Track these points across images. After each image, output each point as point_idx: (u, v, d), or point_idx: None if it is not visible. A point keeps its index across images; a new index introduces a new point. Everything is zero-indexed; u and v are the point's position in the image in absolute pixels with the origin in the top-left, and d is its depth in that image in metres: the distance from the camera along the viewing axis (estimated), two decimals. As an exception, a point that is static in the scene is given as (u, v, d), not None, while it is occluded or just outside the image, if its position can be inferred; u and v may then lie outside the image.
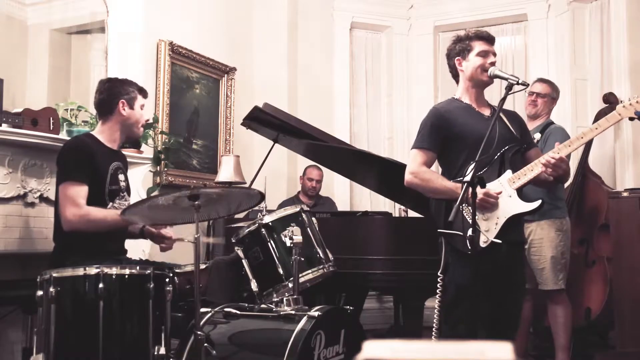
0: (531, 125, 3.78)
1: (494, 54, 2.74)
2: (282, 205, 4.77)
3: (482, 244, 2.50)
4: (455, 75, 2.82)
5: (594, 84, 4.97)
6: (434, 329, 2.68)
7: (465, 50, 2.73)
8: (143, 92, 3.03)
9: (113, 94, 2.95)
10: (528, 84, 3.07)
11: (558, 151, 2.59)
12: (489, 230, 2.52)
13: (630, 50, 4.53)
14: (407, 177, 2.71)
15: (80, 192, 2.76)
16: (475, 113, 2.73)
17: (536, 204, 2.56)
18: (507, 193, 2.57)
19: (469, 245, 2.39)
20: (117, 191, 2.93)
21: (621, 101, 2.62)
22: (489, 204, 2.52)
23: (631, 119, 2.57)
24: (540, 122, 3.80)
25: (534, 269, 3.67)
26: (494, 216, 2.55)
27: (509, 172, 2.60)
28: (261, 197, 2.57)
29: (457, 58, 2.76)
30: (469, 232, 2.38)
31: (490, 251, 2.50)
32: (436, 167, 2.90)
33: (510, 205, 2.56)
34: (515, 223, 2.61)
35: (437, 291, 2.59)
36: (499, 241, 2.49)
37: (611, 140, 4.63)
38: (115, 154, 3.00)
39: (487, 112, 2.76)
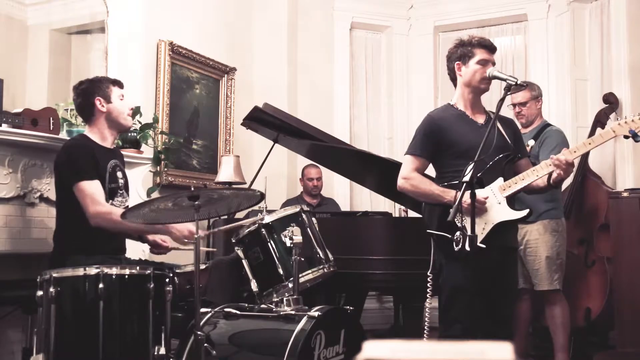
0: (526, 131, 3.79)
1: (494, 64, 2.75)
2: (285, 204, 4.78)
3: (468, 248, 2.52)
4: (454, 79, 2.84)
5: (594, 84, 4.96)
6: (425, 329, 2.71)
7: (467, 56, 2.75)
8: (117, 83, 3.04)
9: (87, 95, 2.97)
10: (527, 85, 3.07)
11: (566, 154, 2.60)
12: (476, 234, 2.54)
13: (630, 50, 4.53)
14: (399, 182, 2.79)
15: (97, 189, 2.80)
16: (469, 120, 2.77)
17: (523, 212, 2.62)
18: (496, 200, 2.62)
19: (455, 247, 2.43)
20: (117, 189, 2.95)
21: (617, 118, 2.64)
22: (477, 208, 2.54)
23: (625, 137, 2.59)
24: (534, 125, 3.79)
25: (529, 269, 3.68)
26: (482, 222, 2.60)
27: (500, 180, 2.65)
28: (261, 197, 2.58)
29: (457, 62, 2.78)
30: (457, 234, 2.42)
31: (481, 255, 2.51)
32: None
33: (499, 212, 2.61)
34: (505, 229, 2.65)
35: (427, 291, 2.64)
36: (483, 246, 2.52)
37: (611, 141, 4.63)
38: (111, 152, 3.02)
39: (481, 119, 2.79)
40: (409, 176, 2.75)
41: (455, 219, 2.48)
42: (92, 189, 2.78)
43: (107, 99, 2.96)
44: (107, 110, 2.96)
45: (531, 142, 3.67)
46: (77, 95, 3.00)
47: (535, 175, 2.63)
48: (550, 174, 2.62)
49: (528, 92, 3.74)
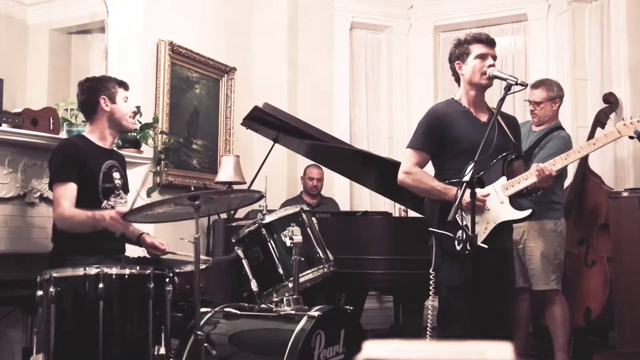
0: (537, 129, 3.76)
1: (494, 57, 2.76)
2: (284, 204, 4.77)
3: (469, 248, 2.51)
4: (458, 79, 2.85)
5: (594, 84, 4.96)
6: (428, 329, 2.70)
7: (464, 53, 2.77)
8: (123, 85, 3.04)
9: (93, 92, 2.96)
10: (527, 84, 3.07)
11: (554, 163, 2.60)
12: (477, 234, 2.53)
13: (630, 50, 4.53)
14: (400, 176, 2.77)
15: (65, 191, 2.78)
16: (472, 118, 2.77)
17: (526, 212, 2.61)
18: (499, 199, 2.61)
19: (457, 246, 2.43)
20: (112, 189, 2.94)
21: (623, 119, 2.64)
22: (477, 206, 2.53)
23: (630, 137, 2.59)
24: (546, 126, 3.75)
25: (527, 268, 3.67)
26: (484, 221, 2.59)
27: (503, 179, 2.64)
28: (260, 197, 2.59)
29: (457, 62, 2.80)
30: (459, 233, 2.42)
31: (478, 255, 2.50)
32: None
33: (502, 211, 2.60)
34: (504, 230, 2.64)
35: (430, 290, 2.63)
36: (485, 246, 2.52)
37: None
38: (108, 152, 3.01)
39: (484, 117, 2.79)
40: (410, 170, 2.73)
41: (457, 218, 2.48)
42: (59, 193, 2.78)
43: (111, 99, 2.96)
44: (111, 110, 2.96)
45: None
46: (82, 91, 3.00)
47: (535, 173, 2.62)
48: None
49: (545, 92, 3.72)
